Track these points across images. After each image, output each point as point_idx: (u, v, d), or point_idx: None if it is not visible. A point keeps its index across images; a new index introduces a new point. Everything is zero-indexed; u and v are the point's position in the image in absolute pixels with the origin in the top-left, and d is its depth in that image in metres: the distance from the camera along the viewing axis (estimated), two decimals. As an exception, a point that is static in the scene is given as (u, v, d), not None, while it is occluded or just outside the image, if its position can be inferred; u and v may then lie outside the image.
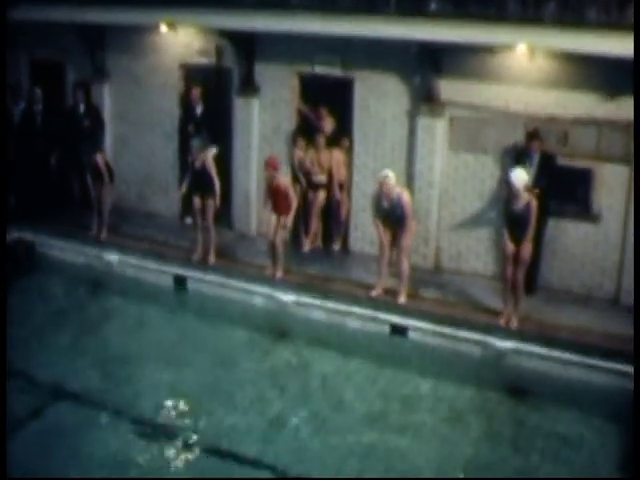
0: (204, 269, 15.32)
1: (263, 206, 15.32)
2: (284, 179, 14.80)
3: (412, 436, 11.17)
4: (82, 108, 18.04)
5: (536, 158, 13.62)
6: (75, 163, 17.41)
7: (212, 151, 16.16)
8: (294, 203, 14.63)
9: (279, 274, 14.79)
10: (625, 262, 13.73)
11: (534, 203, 12.61)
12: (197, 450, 10.82)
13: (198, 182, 15.23)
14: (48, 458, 10.44)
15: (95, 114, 18.14)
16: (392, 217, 13.55)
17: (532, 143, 13.74)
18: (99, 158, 16.54)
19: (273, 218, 14.70)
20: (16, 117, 18.26)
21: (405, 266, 13.73)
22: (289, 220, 14.66)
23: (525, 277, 13.09)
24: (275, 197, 14.63)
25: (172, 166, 18.04)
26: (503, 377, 12.64)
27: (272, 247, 14.85)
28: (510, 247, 12.83)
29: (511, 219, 12.80)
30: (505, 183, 13.53)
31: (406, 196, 13.52)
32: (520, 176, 12.63)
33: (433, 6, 13.60)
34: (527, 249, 12.77)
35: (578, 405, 11.87)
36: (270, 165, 14.58)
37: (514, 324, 13.01)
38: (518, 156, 13.85)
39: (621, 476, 10.42)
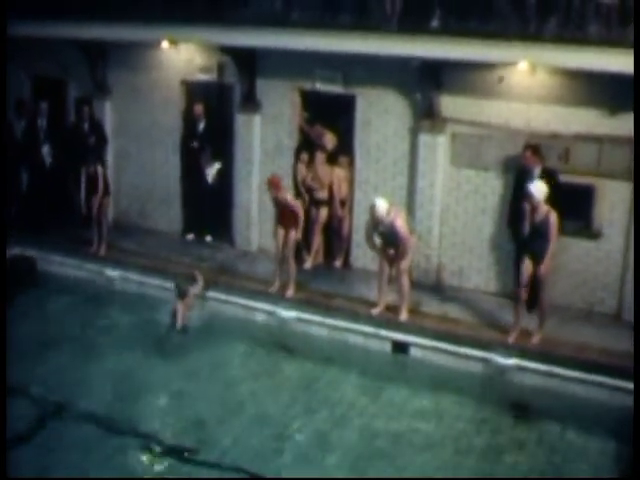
0: (206, 285, 15.27)
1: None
2: (288, 195, 14.76)
3: (413, 452, 11.15)
4: (87, 125, 18.07)
5: (536, 173, 13.56)
6: (78, 179, 17.40)
7: (216, 166, 16.30)
8: (301, 218, 14.57)
9: (290, 292, 14.76)
10: (627, 278, 13.71)
11: (554, 216, 12.48)
12: (199, 466, 10.77)
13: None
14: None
15: (99, 131, 18.17)
16: (389, 240, 13.56)
17: (527, 155, 13.68)
18: (98, 170, 16.58)
19: (280, 233, 14.72)
20: (18, 132, 18.30)
21: (405, 283, 13.70)
22: (298, 234, 14.62)
23: (529, 293, 13.04)
24: (282, 212, 14.66)
25: (174, 182, 18.07)
26: (505, 394, 12.61)
27: (280, 264, 14.85)
28: (527, 264, 12.80)
29: (528, 232, 12.73)
30: (516, 198, 13.59)
31: (400, 221, 13.45)
32: (540, 188, 12.58)
33: (434, 23, 13.65)
34: (546, 266, 12.67)
35: (579, 422, 11.81)
36: (272, 184, 14.60)
37: (536, 340, 12.99)
38: (520, 172, 13.83)
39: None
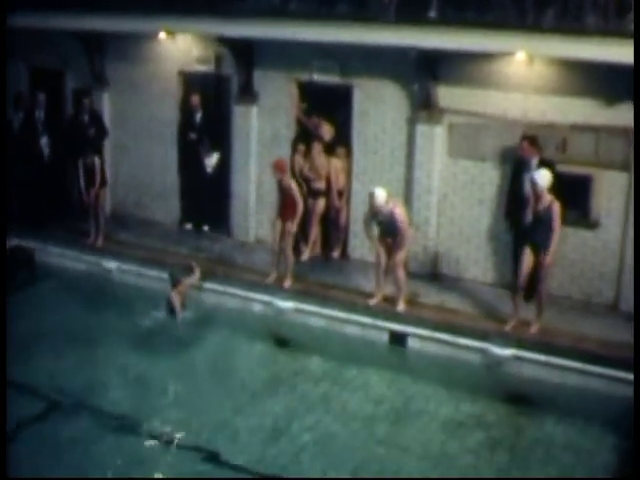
0: (203, 276, 15.29)
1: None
2: (292, 184, 14.65)
3: (411, 444, 11.14)
4: (87, 117, 18.05)
5: (534, 164, 13.53)
6: (77, 170, 17.40)
7: (215, 156, 16.39)
8: (300, 208, 14.53)
9: (287, 283, 14.74)
10: (624, 268, 13.71)
11: (557, 206, 12.44)
12: (195, 457, 10.76)
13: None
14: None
15: (99, 123, 18.15)
16: (387, 229, 13.55)
17: (524, 146, 13.65)
18: (96, 161, 16.59)
19: (278, 224, 14.72)
20: (15, 124, 18.27)
21: (400, 275, 13.69)
22: (294, 226, 14.60)
23: (527, 283, 13.05)
24: (282, 200, 14.65)
25: (171, 173, 18.07)
26: (502, 384, 12.62)
27: (278, 255, 14.85)
28: (527, 254, 12.80)
29: (530, 222, 12.69)
30: (514, 189, 13.69)
31: (399, 210, 13.46)
32: (544, 176, 12.54)
33: (432, 13, 13.63)
34: (550, 257, 12.59)
35: (576, 412, 11.80)
36: (277, 167, 14.60)
37: (534, 330, 12.99)
38: (517, 163, 13.83)
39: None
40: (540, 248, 12.62)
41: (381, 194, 13.38)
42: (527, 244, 12.81)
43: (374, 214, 13.55)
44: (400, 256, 13.56)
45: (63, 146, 18.25)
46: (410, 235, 13.67)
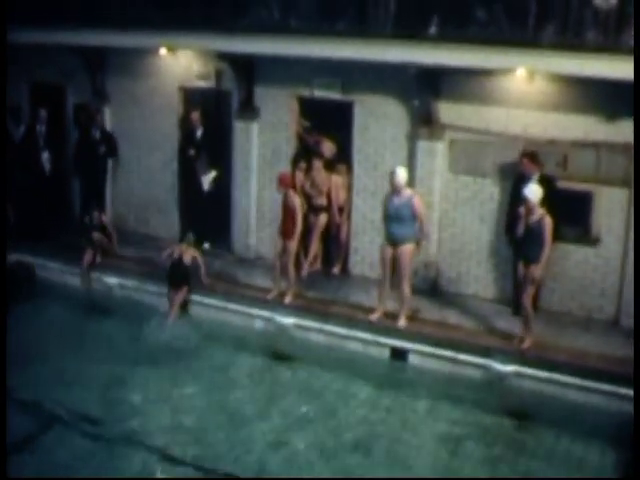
0: (204, 292, 15.29)
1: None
2: (295, 199, 14.61)
3: (411, 458, 11.17)
4: (98, 134, 18.11)
5: (534, 180, 13.53)
6: (91, 190, 17.73)
7: (211, 175, 16.44)
8: (299, 224, 14.53)
9: (288, 299, 14.74)
10: (625, 284, 13.72)
11: (548, 220, 12.51)
12: (195, 471, 10.77)
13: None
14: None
15: (111, 141, 18.22)
16: (400, 216, 13.49)
17: (525, 162, 13.71)
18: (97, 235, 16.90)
19: (279, 241, 14.73)
20: (17, 139, 18.28)
21: (407, 290, 13.69)
22: (295, 243, 14.60)
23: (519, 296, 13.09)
24: (284, 217, 14.64)
25: (172, 188, 18.10)
26: (503, 400, 12.59)
27: (279, 271, 14.86)
28: (521, 268, 12.85)
29: (522, 235, 12.75)
30: (514, 204, 13.62)
31: (418, 200, 13.52)
32: (535, 191, 12.60)
33: (432, 29, 13.67)
34: (537, 269, 12.65)
35: (578, 428, 11.82)
36: (281, 181, 14.62)
37: (527, 344, 13.01)
38: (518, 179, 13.84)
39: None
40: (531, 262, 12.68)
41: (402, 173, 13.44)
42: (520, 258, 12.88)
43: (392, 192, 13.53)
44: (407, 260, 13.52)
45: (72, 163, 18.43)
46: (417, 251, 13.70)
